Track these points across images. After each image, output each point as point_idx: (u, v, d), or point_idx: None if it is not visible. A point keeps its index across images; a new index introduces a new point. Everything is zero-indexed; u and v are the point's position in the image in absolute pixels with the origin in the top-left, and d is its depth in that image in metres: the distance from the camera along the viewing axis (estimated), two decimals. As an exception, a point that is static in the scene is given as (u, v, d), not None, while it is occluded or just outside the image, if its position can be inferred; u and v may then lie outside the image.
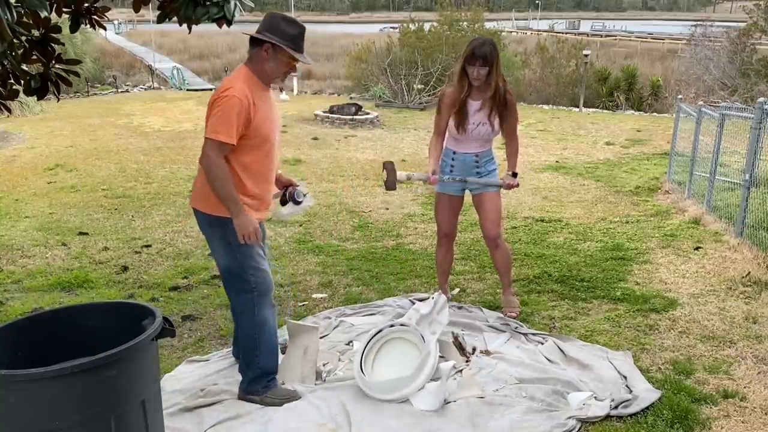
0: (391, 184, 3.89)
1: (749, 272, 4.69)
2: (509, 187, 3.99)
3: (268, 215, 3.21)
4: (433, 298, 3.53)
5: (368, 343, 3.28)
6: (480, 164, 3.98)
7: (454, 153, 3.98)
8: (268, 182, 3.08)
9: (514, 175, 3.98)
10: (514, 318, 4.03)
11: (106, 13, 3.58)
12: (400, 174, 3.91)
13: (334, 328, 3.93)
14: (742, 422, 2.92)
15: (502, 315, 4.06)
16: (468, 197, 4.17)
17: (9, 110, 3.89)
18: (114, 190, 7.88)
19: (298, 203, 3.27)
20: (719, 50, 19.43)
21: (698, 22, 25.52)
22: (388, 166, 3.89)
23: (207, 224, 2.99)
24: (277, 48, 2.86)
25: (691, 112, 8.23)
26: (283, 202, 3.30)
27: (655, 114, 17.85)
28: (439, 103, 4.00)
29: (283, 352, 3.44)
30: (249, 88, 2.85)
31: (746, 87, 17.07)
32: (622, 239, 5.81)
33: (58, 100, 3.87)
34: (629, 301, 4.33)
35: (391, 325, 3.34)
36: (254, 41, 2.89)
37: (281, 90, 20.96)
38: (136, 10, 3.53)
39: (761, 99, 5.69)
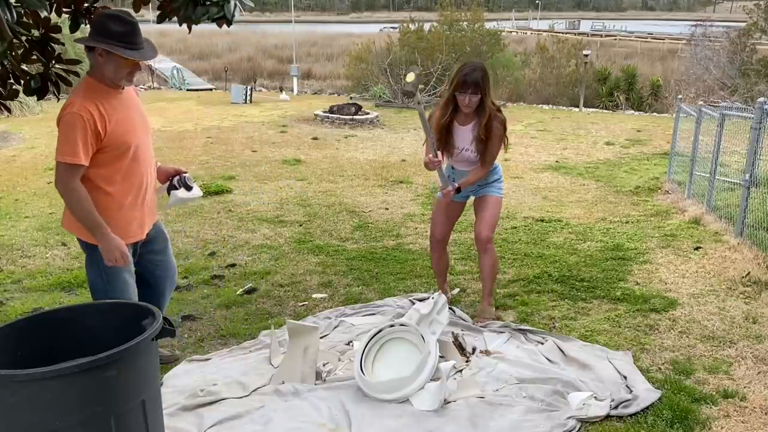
0: (410, 88, 3.55)
1: (749, 272, 4.69)
2: (445, 192, 3.83)
3: (154, 219, 3.18)
4: (433, 298, 3.53)
5: (368, 343, 3.28)
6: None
7: (453, 169, 3.98)
8: (143, 186, 3.00)
9: (458, 190, 3.84)
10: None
11: (106, 13, 3.58)
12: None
13: (334, 328, 3.93)
14: (742, 422, 2.92)
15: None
16: (468, 201, 4.16)
17: (9, 110, 3.90)
18: (114, 190, 7.87)
19: (190, 188, 3.21)
20: (719, 50, 19.45)
21: (698, 22, 25.52)
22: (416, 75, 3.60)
23: (83, 245, 2.99)
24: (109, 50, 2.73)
25: (691, 112, 8.23)
26: (173, 188, 3.23)
27: (655, 114, 17.86)
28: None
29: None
30: (93, 99, 2.74)
31: (746, 87, 17.07)
32: (622, 239, 5.80)
33: (58, 100, 3.86)
34: (629, 301, 4.33)
35: (391, 325, 3.34)
36: (89, 48, 2.77)
37: (281, 90, 21.00)
38: (136, 10, 3.53)
39: (761, 99, 5.69)
